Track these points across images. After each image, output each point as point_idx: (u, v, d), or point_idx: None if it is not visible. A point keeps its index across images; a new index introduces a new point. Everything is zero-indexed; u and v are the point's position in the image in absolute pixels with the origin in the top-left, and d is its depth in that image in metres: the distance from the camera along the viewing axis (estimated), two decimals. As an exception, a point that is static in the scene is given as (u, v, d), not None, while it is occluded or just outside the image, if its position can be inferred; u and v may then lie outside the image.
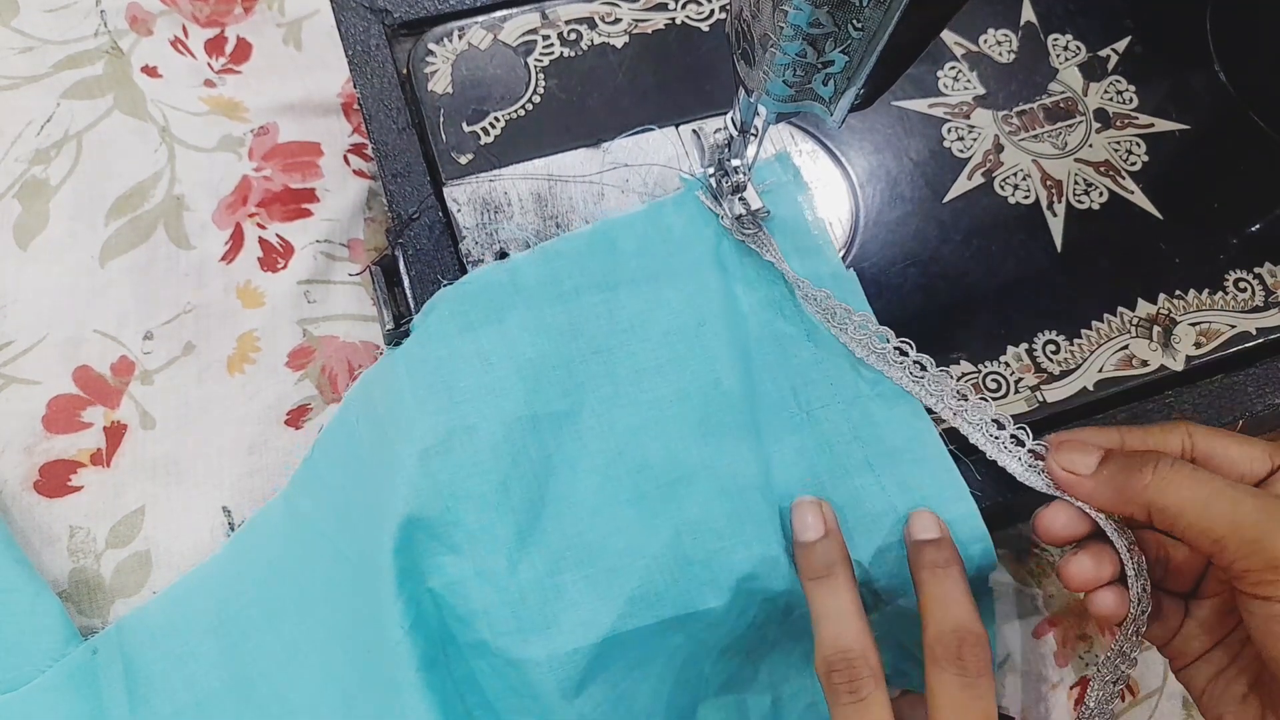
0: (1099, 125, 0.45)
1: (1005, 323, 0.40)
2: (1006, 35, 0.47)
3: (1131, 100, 0.46)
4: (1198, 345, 0.40)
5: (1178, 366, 0.40)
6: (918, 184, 0.43)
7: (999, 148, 0.44)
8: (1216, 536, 0.28)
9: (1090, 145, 0.45)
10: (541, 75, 0.43)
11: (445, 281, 0.37)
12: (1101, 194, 0.44)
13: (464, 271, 0.38)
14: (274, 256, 0.47)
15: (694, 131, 0.42)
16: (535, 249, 0.37)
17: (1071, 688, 0.41)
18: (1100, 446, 0.32)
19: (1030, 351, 0.39)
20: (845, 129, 0.43)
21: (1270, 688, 0.30)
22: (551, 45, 0.43)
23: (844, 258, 0.41)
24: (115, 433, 0.42)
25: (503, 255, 0.38)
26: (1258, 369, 0.40)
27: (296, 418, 0.44)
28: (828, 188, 0.42)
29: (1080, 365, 0.39)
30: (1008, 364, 0.39)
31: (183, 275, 0.46)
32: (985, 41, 0.47)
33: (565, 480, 0.34)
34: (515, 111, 0.42)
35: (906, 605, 0.36)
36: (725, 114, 0.35)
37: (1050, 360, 0.39)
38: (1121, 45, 0.47)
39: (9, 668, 0.37)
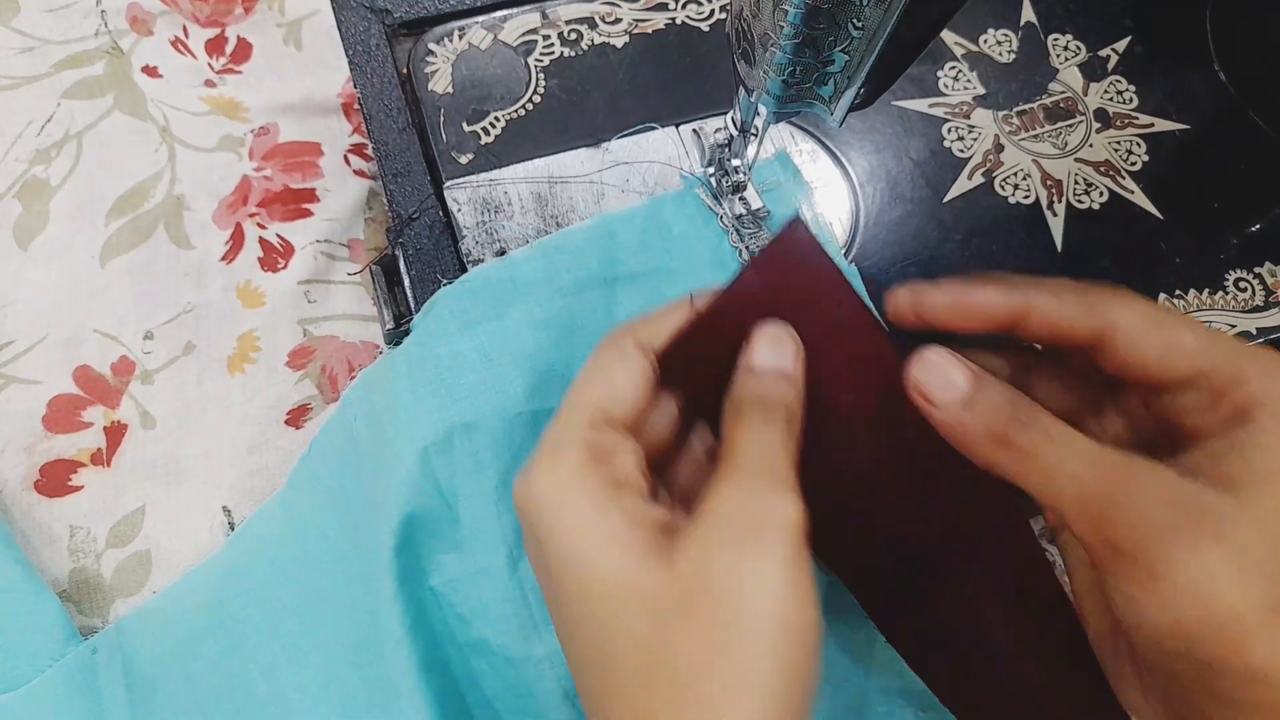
0: (1099, 125, 0.45)
1: (1005, 322, 0.40)
2: (1007, 35, 0.47)
3: (1131, 100, 0.46)
4: (1198, 345, 0.40)
5: (1178, 366, 0.40)
6: (918, 184, 0.43)
7: (999, 147, 0.44)
8: (1063, 508, 0.24)
9: (1090, 145, 0.45)
10: (542, 75, 0.43)
11: (445, 281, 0.37)
12: (1102, 194, 0.44)
13: (464, 270, 0.38)
14: (274, 256, 0.47)
15: (694, 131, 0.42)
16: (534, 244, 0.37)
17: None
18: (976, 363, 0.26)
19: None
20: (845, 129, 0.43)
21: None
22: (552, 45, 0.43)
23: (844, 258, 0.41)
24: (115, 432, 0.42)
25: (502, 254, 0.38)
26: (1258, 369, 0.40)
27: (297, 417, 0.44)
28: (828, 188, 0.42)
29: (1080, 365, 0.39)
30: (1008, 364, 0.39)
31: (183, 275, 0.46)
32: (985, 41, 0.47)
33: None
34: (515, 111, 0.42)
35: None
36: (725, 114, 0.35)
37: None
38: (1121, 45, 0.47)
39: (8, 668, 0.37)
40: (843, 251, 0.41)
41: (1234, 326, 0.41)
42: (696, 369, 0.28)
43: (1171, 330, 0.25)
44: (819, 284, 0.28)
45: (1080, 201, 0.43)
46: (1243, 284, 0.42)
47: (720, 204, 0.38)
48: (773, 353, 0.27)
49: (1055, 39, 0.47)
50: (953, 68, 0.46)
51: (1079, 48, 0.47)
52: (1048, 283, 0.27)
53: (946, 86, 0.45)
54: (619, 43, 0.44)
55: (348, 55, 0.42)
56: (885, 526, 0.29)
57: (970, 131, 0.44)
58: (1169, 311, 0.27)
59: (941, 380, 0.26)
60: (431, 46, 0.42)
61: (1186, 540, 0.22)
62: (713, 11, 0.45)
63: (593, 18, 0.44)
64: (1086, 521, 0.23)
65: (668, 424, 0.29)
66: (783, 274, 0.28)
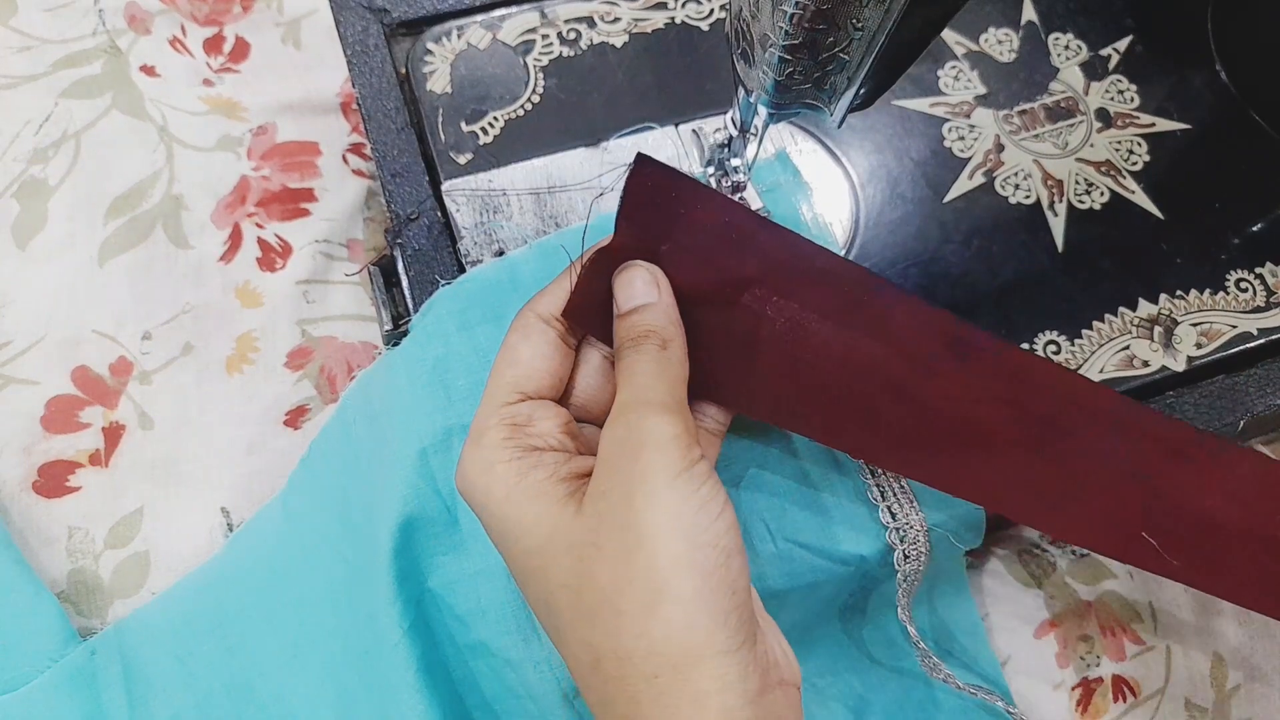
0: (1100, 125, 0.45)
1: (1006, 323, 0.40)
2: (1007, 34, 0.47)
3: (1133, 100, 0.46)
4: (1199, 345, 0.40)
5: (1179, 367, 0.40)
6: (918, 184, 0.43)
7: (1000, 147, 0.44)
8: None
9: (1091, 145, 0.45)
10: (541, 75, 0.43)
11: (444, 281, 0.37)
12: (1103, 194, 0.43)
13: (462, 271, 0.38)
14: (272, 256, 0.47)
15: (694, 131, 0.41)
16: (532, 245, 0.37)
17: (1073, 689, 0.41)
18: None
19: (1031, 352, 0.39)
20: (845, 129, 0.43)
21: None
22: (551, 44, 0.43)
23: (845, 257, 0.41)
24: (114, 433, 0.42)
25: (501, 255, 0.38)
26: (1259, 369, 0.40)
27: (295, 418, 0.44)
28: (828, 188, 0.42)
29: (1081, 366, 0.39)
30: (1008, 364, 0.39)
31: (181, 275, 0.45)
32: (986, 41, 0.46)
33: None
34: (514, 111, 0.42)
35: None
36: (725, 114, 0.35)
37: (1051, 361, 0.39)
38: (1123, 44, 0.47)
39: (7, 669, 0.37)
40: (842, 253, 0.41)
41: (1235, 327, 0.41)
42: (601, 320, 0.29)
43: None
44: (683, 200, 0.29)
45: (1081, 201, 0.43)
46: (1244, 284, 0.42)
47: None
48: (626, 292, 0.28)
49: (1056, 38, 0.47)
50: (953, 67, 0.46)
51: (1080, 47, 0.47)
52: None
53: (947, 86, 0.45)
54: (618, 42, 0.44)
55: (346, 55, 0.42)
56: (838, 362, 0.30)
57: (971, 131, 0.44)
58: None
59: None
60: (430, 46, 0.42)
61: None
62: (712, 11, 0.45)
63: (592, 17, 0.44)
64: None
65: (597, 375, 0.30)
66: (649, 208, 0.29)
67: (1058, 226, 0.43)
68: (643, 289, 0.28)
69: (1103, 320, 0.40)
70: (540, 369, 0.28)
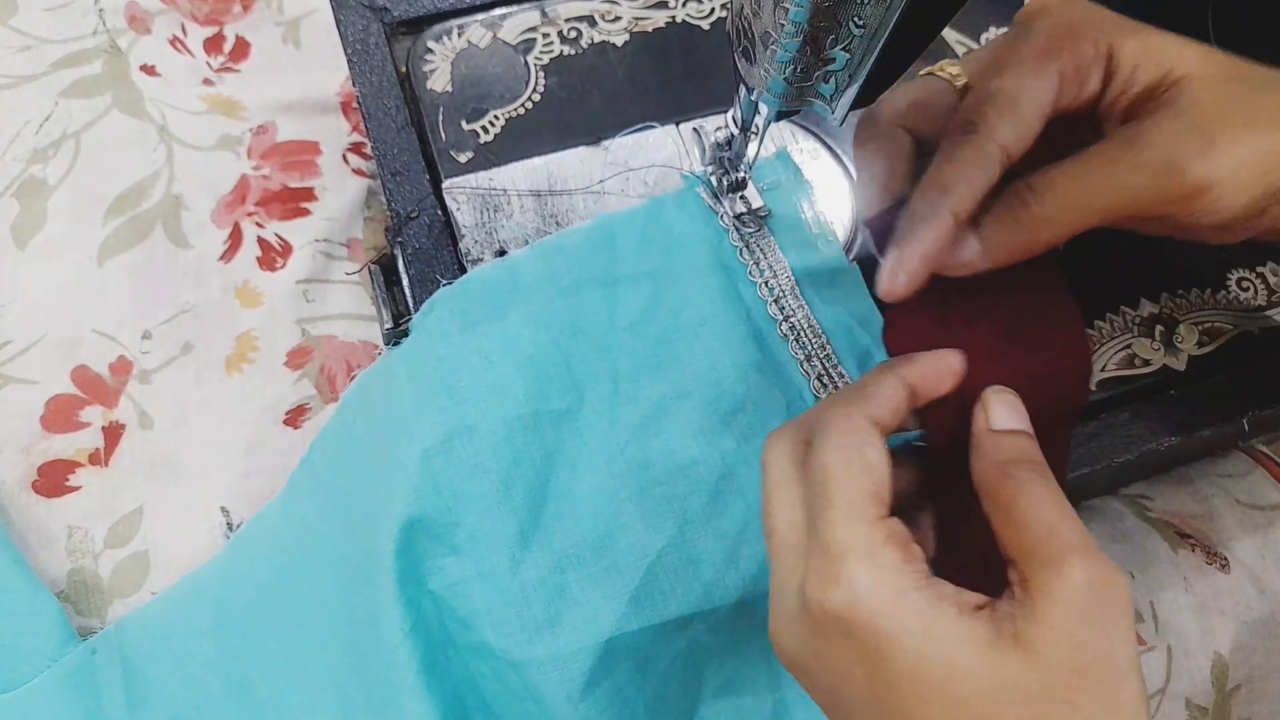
0: (1101, 124, 0.45)
1: (1007, 322, 0.40)
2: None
3: (1133, 98, 0.46)
4: (1200, 345, 0.40)
5: (1180, 366, 0.39)
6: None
7: (1000, 146, 0.44)
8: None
9: (1092, 144, 0.44)
10: (541, 73, 0.43)
11: (444, 280, 0.37)
12: (1103, 193, 0.43)
13: (463, 270, 0.38)
14: (272, 256, 0.46)
15: (694, 130, 0.41)
16: (534, 245, 0.37)
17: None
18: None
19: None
20: (846, 127, 0.43)
21: None
22: (551, 43, 0.43)
23: (845, 257, 0.41)
24: (113, 433, 0.42)
25: (502, 254, 0.38)
26: (1261, 369, 0.40)
27: (295, 417, 0.44)
28: (829, 186, 0.42)
29: (1082, 365, 0.39)
30: (1009, 363, 0.39)
31: (181, 275, 0.45)
32: (986, 39, 0.46)
33: (566, 479, 0.34)
34: (515, 110, 0.42)
35: None
36: (726, 112, 0.35)
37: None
38: (1123, 43, 0.47)
39: (7, 668, 0.37)
40: (844, 251, 0.41)
41: (1236, 326, 0.40)
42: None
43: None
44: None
45: (1082, 200, 0.43)
46: (1245, 283, 0.42)
47: (721, 203, 0.38)
48: (1011, 414, 0.28)
49: (1057, 37, 0.47)
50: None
51: (1081, 46, 0.47)
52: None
53: (948, 85, 0.45)
54: (619, 41, 0.44)
55: (346, 54, 0.42)
56: None
57: (971, 130, 0.44)
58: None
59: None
60: (430, 45, 0.42)
61: None
62: (713, 9, 0.45)
63: (593, 16, 0.44)
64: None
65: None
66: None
67: (1059, 225, 0.42)
68: (1022, 412, 0.28)
69: (1104, 319, 0.40)
70: (888, 477, 0.25)
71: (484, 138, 0.41)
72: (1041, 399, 0.29)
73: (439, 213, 0.39)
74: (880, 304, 0.32)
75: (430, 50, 0.42)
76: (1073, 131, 0.32)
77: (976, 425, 0.28)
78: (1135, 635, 0.24)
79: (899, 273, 0.30)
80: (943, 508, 0.30)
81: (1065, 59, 0.31)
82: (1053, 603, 0.23)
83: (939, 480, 0.30)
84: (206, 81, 0.50)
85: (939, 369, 0.29)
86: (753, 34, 0.27)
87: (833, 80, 0.27)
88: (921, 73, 0.35)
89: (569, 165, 0.40)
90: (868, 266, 0.40)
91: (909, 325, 0.32)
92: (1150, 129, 0.30)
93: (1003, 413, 0.28)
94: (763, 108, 0.31)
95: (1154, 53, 0.31)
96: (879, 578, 0.23)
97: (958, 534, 0.29)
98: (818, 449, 0.26)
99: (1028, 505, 0.25)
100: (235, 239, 0.47)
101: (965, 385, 0.29)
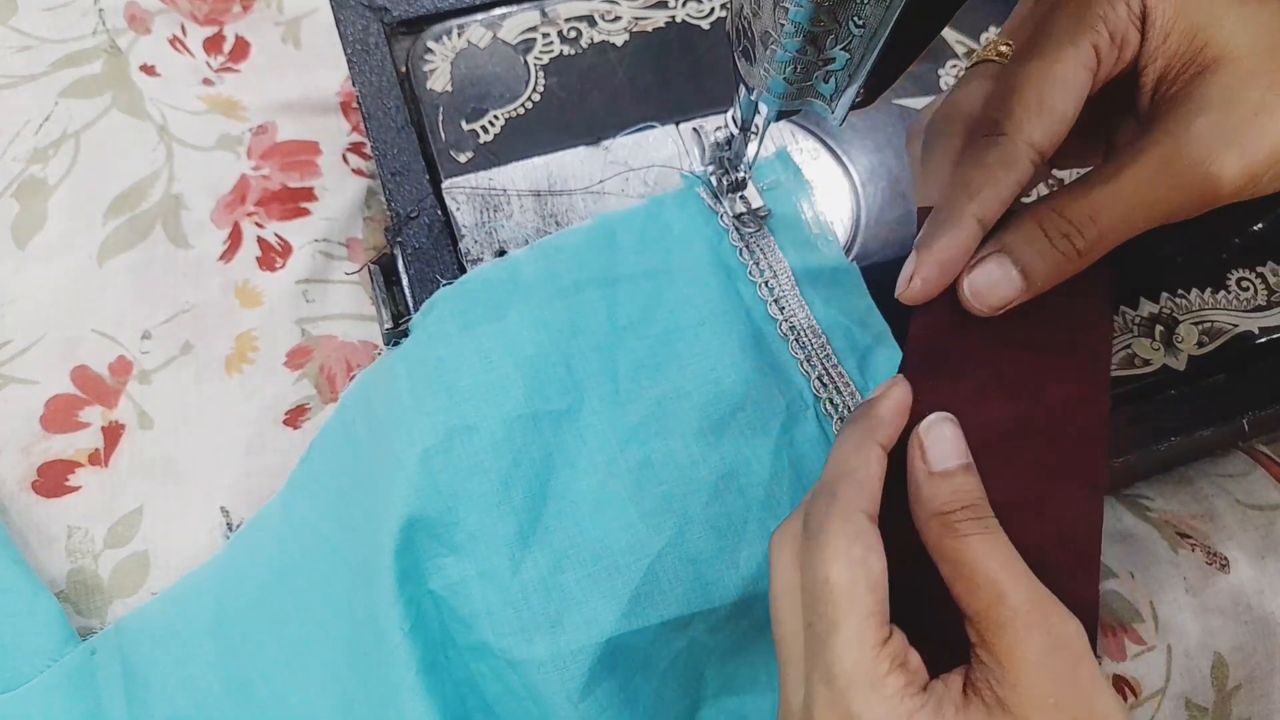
0: (1101, 123, 0.45)
1: (1007, 322, 0.40)
2: (1008, 33, 0.47)
3: (1133, 98, 0.46)
4: (1200, 345, 0.40)
5: (1180, 366, 0.39)
6: (919, 183, 0.43)
7: (1000, 146, 0.44)
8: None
9: (1092, 144, 0.44)
10: (541, 73, 0.43)
11: (444, 280, 0.37)
12: (1103, 193, 0.43)
13: (463, 270, 0.38)
14: (272, 256, 0.46)
15: (694, 130, 0.41)
16: (534, 245, 0.37)
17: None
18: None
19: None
20: (846, 127, 0.43)
21: None
22: (551, 43, 0.43)
23: (845, 257, 0.41)
24: (113, 433, 0.42)
25: (502, 254, 0.38)
26: (1261, 368, 0.40)
27: (295, 418, 0.44)
28: (829, 186, 0.42)
29: (1082, 365, 0.39)
30: (1009, 363, 0.39)
31: (181, 274, 0.45)
32: (987, 39, 0.46)
33: (566, 479, 0.34)
34: (515, 110, 0.42)
35: None
36: (726, 112, 0.35)
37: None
38: (1123, 43, 0.47)
39: (6, 668, 0.37)
40: (844, 251, 0.41)
41: (1236, 326, 0.40)
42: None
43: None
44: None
45: (1082, 200, 0.43)
46: (1245, 283, 0.42)
47: (721, 202, 0.38)
48: (949, 449, 0.27)
49: (1057, 37, 0.47)
50: (954, 65, 0.46)
51: (1081, 46, 0.47)
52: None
53: (948, 84, 0.45)
54: (619, 41, 0.44)
55: (346, 53, 0.42)
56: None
57: (971, 130, 0.44)
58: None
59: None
60: (430, 44, 0.42)
61: None
62: (713, 9, 0.45)
63: (592, 15, 0.44)
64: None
65: None
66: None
67: (1059, 225, 0.42)
68: (962, 445, 0.27)
69: (1104, 319, 0.40)
70: (887, 587, 0.25)
71: (484, 138, 0.41)
72: (1067, 410, 0.29)
73: (439, 213, 0.39)
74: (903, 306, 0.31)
75: (430, 50, 0.42)
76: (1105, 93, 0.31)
77: (913, 465, 0.27)
78: (1099, 673, 0.24)
79: (916, 277, 0.30)
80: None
81: (1099, 29, 0.29)
82: (1021, 667, 0.24)
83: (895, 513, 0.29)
84: (206, 81, 0.50)
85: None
86: (752, 34, 0.27)
87: (833, 80, 0.27)
88: (975, 58, 0.34)
89: (569, 165, 0.40)
90: (866, 269, 0.40)
91: (930, 332, 0.31)
92: (1186, 142, 0.29)
93: (939, 450, 0.27)
94: (763, 108, 0.31)
95: (1188, 15, 0.29)
96: (883, 713, 0.24)
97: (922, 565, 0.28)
98: (822, 557, 0.25)
99: (975, 563, 0.25)
100: (235, 239, 0.47)
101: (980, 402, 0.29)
